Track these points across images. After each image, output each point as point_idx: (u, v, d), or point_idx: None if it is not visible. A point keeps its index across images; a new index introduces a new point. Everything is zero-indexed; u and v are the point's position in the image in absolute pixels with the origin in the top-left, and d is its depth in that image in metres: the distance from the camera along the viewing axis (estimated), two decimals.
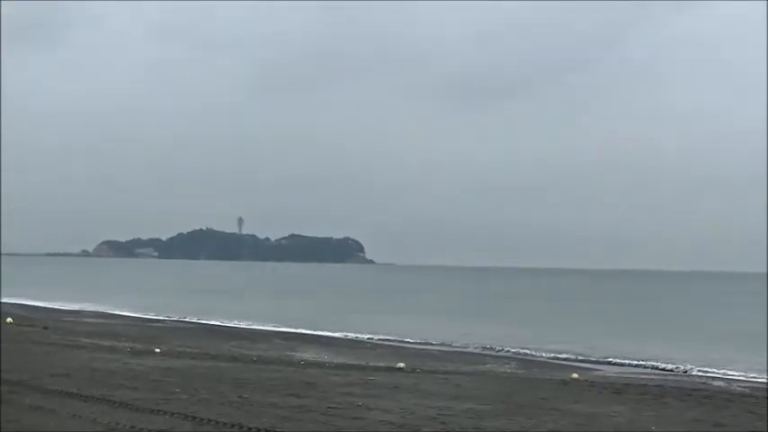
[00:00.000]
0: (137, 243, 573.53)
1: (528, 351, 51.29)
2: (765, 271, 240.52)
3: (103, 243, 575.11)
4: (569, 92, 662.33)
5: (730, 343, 59.63)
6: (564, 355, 49.51)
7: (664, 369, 44.02)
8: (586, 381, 33.83)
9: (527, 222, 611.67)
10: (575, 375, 35.57)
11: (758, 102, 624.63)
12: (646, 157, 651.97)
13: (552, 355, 49.91)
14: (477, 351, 51.70)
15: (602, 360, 47.79)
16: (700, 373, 42.00)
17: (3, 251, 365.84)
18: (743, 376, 41.19)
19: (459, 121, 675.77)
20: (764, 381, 39.72)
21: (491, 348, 52.69)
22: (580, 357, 48.91)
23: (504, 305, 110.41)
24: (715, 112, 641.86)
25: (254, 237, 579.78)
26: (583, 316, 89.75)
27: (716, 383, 36.64)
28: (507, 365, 42.14)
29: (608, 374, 39.09)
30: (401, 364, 37.15)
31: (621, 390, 30.65)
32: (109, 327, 57.20)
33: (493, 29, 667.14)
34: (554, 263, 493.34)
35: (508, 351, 51.44)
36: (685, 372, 43.01)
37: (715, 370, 43.53)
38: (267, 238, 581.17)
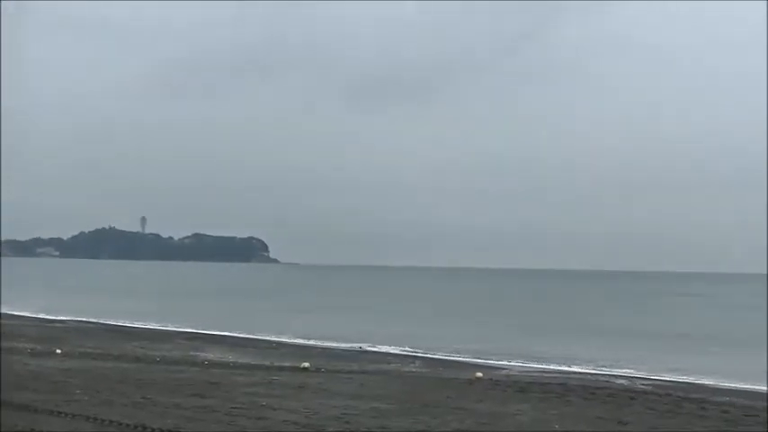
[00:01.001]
0: (37, 242, 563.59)
1: (433, 350, 51.45)
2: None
3: (2, 242, 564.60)
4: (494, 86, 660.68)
5: (640, 342, 60.64)
6: (469, 355, 49.77)
7: (568, 368, 44.51)
8: (490, 380, 34.08)
9: (443, 221, 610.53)
10: (479, 374, 35.75)
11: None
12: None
13: (457, 354, 50.15)
14: (381, 350, 51.74)
15: (507, 359, 48.09)
16: (604, 372, 42.56)
17: None
18: (646, 375, 41.85)
19: (366, 119, 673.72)
20: (667, 379, 40.50)
21: (396, 347, 52.80)
22: (485, 356, 49.17)
23: (412, 305, 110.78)
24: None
25: (157, 236, 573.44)
26: (493, 315, 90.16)
27: (619, 382, 37.17)
28: (412, 364, 42.26)
29: (512, 373, 39.39)
30: (306, 364, 37.03)
31: (525, 388, 30.94)
32: (8, 327, 56.02)
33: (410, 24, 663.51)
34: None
35: (413, 350, 51.59)
36: (588, 370, 43.57)
37: (619, 369, 44.19)
38: (170, 238, 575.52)
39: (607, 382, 36.62)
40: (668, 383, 37.88)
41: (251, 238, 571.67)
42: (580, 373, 41.86)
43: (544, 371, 42.36)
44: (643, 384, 36.26)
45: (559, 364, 46.22)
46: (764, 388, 37.88)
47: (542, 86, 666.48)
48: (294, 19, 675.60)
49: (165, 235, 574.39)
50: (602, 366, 45.11)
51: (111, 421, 20.27)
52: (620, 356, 50.02)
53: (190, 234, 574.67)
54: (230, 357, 41.13)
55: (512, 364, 45.86)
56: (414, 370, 39.29)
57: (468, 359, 47.95)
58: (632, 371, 43.34)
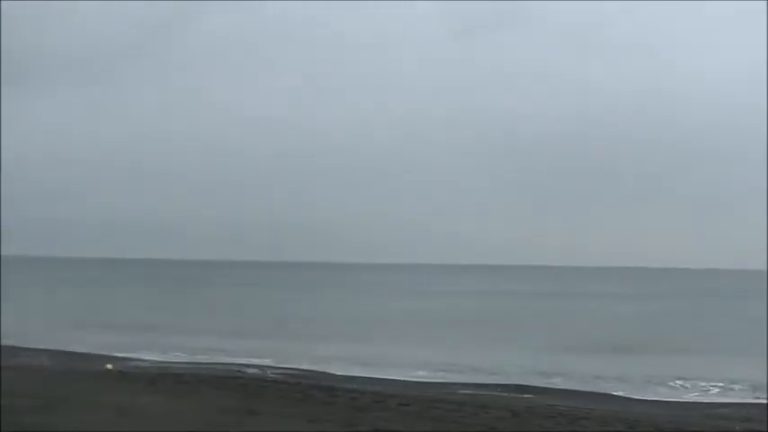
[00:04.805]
0: None
1: (64, 342, 50.31)
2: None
3: None
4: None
5: (281, 334, 61.71)
6: (98, 347, 49.00)
7: (200, 359, 44.84)
8: (120, 372, 33.80)
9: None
10: (109, 366, 35.46)
11: None
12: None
13: (89, 345, 49.31)
14: (7, 344, 50.07)
15: (138, 351, 47.77)
16: (236, 362, 43.14)
17: None
18: (278, 364, 42.83)
19: (26, 103, 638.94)
20: (298, 368, 41.72)
21: (24, 341, 51.26)
22: (115, 349, 48.59)
23: (46, 295, 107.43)
24: None
25: None
26: (128, 308, 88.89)
27: (251, 371, 37.86)
28: (39, 358, 41.23)
29: (142, 365, 39.27)
30: None
31: (156, 379, 30.81)
32: None
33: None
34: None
35: (42, 343, 50.26)
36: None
37: (252, 359, 44.95)
38: None
39: (239, 371, 37.21)
40: (299, 372, 39.02)
41: None
42: (212, 363, 42.28)
43: (175, 362, 42.49)
44: (274, 373, 37.14)
45: (191, 355, 46.50)
46: (386, 376, 39.90)
47: (186, 75, 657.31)
48: None
49: None
50: (235, 356, 45.73)
51: None
52: (255, 347, 50.75)
53: None
54: None
55: (143, 356, 45.68)
56: (42, 364, 38.34)
57: (97, 351, 47.22)
58: (265, 360, 44.26)
